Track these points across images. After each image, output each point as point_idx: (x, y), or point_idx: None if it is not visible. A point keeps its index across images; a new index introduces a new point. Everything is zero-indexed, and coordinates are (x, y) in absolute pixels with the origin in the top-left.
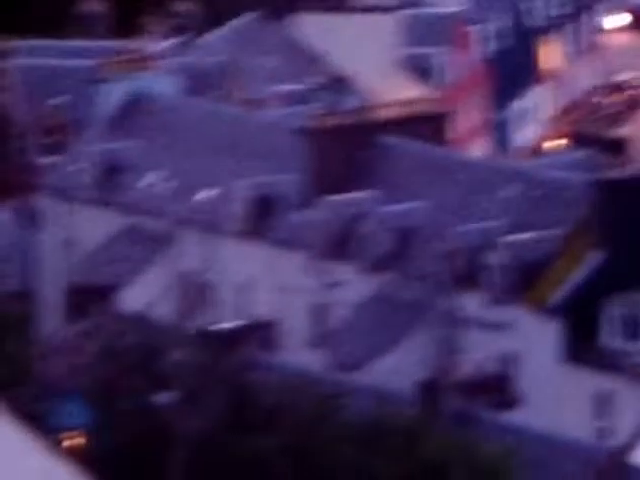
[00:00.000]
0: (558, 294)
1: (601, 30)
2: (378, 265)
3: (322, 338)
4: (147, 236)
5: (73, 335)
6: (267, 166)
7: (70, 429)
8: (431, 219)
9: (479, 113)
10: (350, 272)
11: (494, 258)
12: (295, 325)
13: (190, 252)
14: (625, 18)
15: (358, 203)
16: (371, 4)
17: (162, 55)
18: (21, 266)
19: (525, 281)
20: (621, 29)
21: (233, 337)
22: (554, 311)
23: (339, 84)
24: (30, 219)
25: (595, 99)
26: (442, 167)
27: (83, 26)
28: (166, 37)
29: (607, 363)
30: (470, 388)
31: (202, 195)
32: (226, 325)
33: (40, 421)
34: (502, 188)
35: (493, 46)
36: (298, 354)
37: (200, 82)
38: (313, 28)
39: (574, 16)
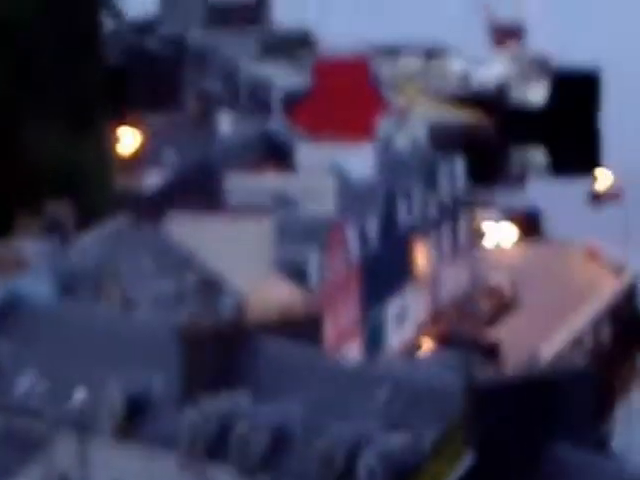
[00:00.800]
0: None
1: (477, 233)
2: (254, 466)
3: None
4: (22, 438)
5: None
6: (141, 367)
7: None
8: (304, 420)
9: (352, 315)
10: (226, 473)
11: (366, 459)
12: None
13: (64, 453)
14: (507, 227)
15: (232, 404)
16: (244, 204)
17: (35, 257)
18: None
19: None
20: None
21: None
22: None
23: (212, 285)
24: None
25: (468, 301)
26: (315, 368)
27: None
28: (39, 239)
29: None
30: None
31: (77, 396)
32: None
33: None
34: (374, 389)
35: (367, 247)
36: None
37: (74, 284)
38: (186, 229)
39: (449, 218)
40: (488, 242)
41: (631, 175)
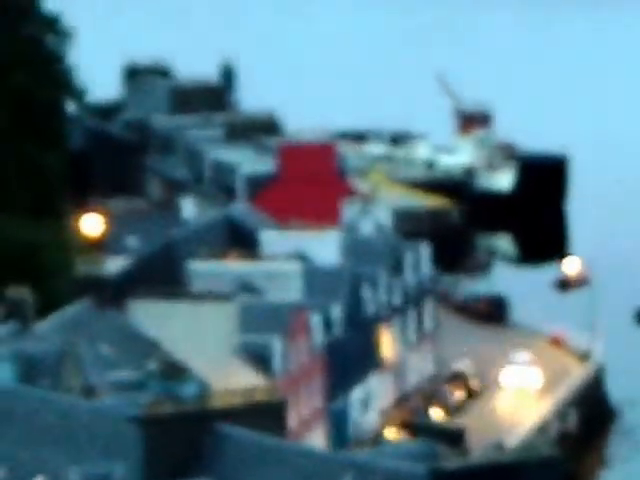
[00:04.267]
0: None
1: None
2: None
3: None
4: None
5: None
6: (100, 454)
7: None
8: None
9: (316, 401)
10: None
11: None
12: None
13: None
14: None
15: None
16: (206, 290)
17: None
18: None
19: None
20: None
21: None
22: None
23: (175, 371)
24: None
25: (434, 388)
26: (279, 457)
27: None
28: None
29: None
30: None
31: None
32: None
33: None
34: (339, 477)
35: (331, 334)
36: None
37: (33, 369)
38: (147, 315)
39: (414, 304)
40: (509, 384)
41: (598, 261)
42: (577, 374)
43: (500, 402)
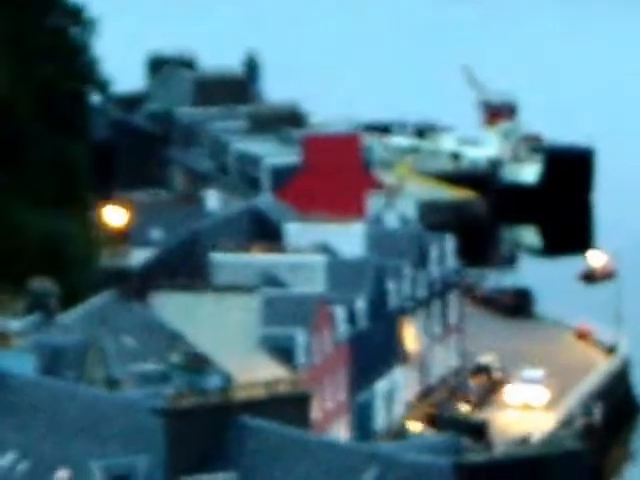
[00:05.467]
0: None
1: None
2: None
3: None
4: None
5: None
6: (124, 447)
7: None
8: None
9: (340, 394)
10: None
11: None
12: None
13: None
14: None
15: None
16: (230, 282)
17: (18, 333)
18: None
19: None
20: None
21: None
22: None
23: (198, 363)
24: None
25: (458, 381)
26: (303, 449)
27: None
28: (23, 315)
29: None
30: None
31: (58, 476)
32: None
33: None
34: (363, 471)
35: (356, 326)
36: None
37: (56, 361)
38: (171, 306)
39: (439, 296)
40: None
41: (624, 254)
42: (602, 367)
43: (524, 395)
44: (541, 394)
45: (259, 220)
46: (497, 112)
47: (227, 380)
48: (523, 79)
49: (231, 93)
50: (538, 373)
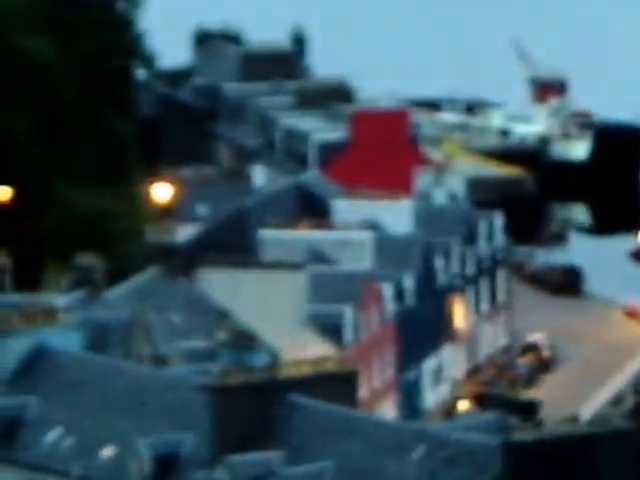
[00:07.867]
0: None
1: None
2: None
3: None
4: None
5: None
6: (170, 424)
7: None
8: None
9: (388, 372)
10: None
11: None
12: None
13: None
14: None
15: (263, 463)
16: (277, 259)
17: (64, 309)
18: None
19: None
20: None
21: None
22: None
23: (245, 341)
24: None
25: (507, 359)
26: (350, 428)
27: None
28: (68, 291)
29: None
30: None
31: (104, 453)
32: None
33: None
34: (410, 450)
35: (403, 304)
36: None
37: (102, 337)
38: (217, 283)
39: (487, 274)
40: None
41: None
42: None
43: (573, 374)
44: None
45: (306, 196)
46: (547, 88)
47: (274, 358)
48: (573, 55)
49: (278, 68)
50: None
